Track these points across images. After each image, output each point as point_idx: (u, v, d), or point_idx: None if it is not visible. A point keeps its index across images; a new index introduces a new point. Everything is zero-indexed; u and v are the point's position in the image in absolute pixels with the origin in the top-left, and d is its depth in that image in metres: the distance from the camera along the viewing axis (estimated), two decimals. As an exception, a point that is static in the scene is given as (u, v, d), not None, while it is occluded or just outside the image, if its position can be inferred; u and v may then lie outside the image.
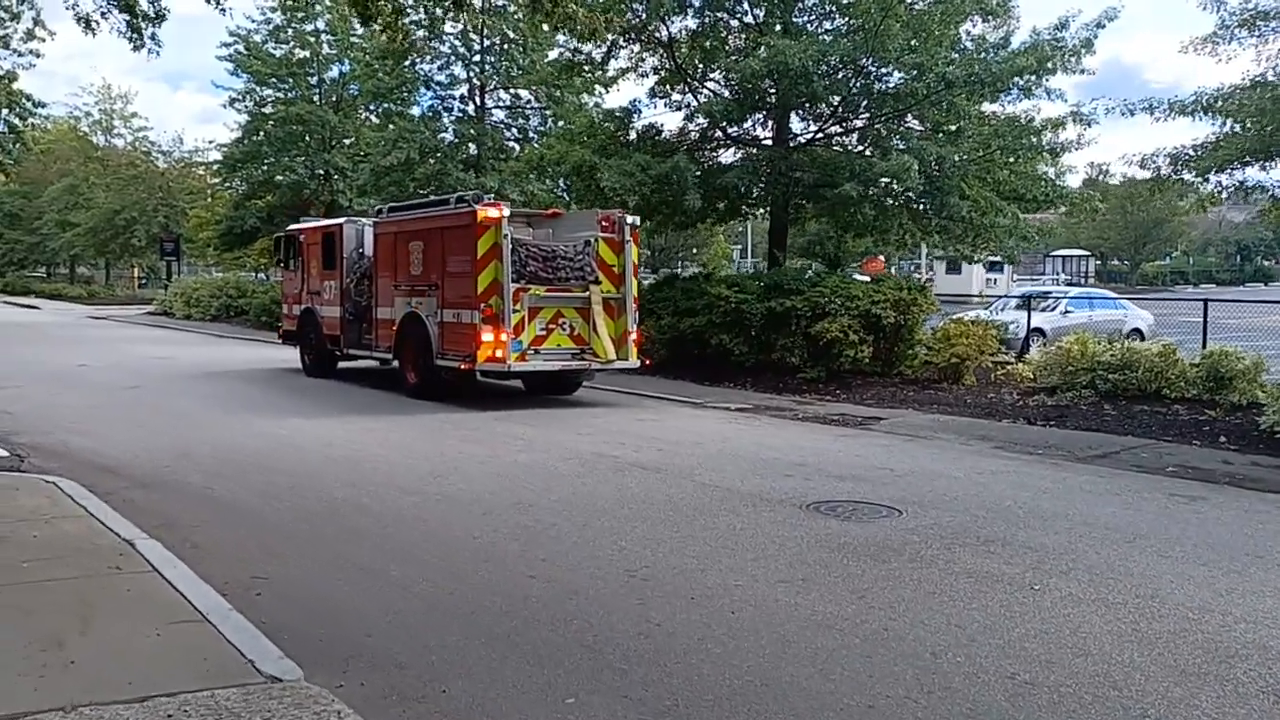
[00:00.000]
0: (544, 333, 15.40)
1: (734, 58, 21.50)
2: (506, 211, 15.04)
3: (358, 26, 39.65)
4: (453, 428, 13.46)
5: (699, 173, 20.15)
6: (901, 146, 19.90)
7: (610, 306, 15.79)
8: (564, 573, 6.85)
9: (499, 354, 14.85)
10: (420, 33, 23.30)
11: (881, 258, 63.75)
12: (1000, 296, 27.17)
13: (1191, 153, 14.62)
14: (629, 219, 16.06)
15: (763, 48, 18.75)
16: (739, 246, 79.09)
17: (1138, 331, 22.80)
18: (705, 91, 21.93)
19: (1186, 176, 14.66)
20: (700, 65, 21.61)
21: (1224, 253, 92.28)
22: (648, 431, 13.30)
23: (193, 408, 15.30)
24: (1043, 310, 22.57)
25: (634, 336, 15.95)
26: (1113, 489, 9.87)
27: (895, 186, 19.44)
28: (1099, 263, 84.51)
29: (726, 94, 20.66)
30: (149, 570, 6.37)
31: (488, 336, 14.84)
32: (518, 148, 34.85)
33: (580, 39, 12.90)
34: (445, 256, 15.70)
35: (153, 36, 11.41)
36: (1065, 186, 21.42)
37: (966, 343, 17.56)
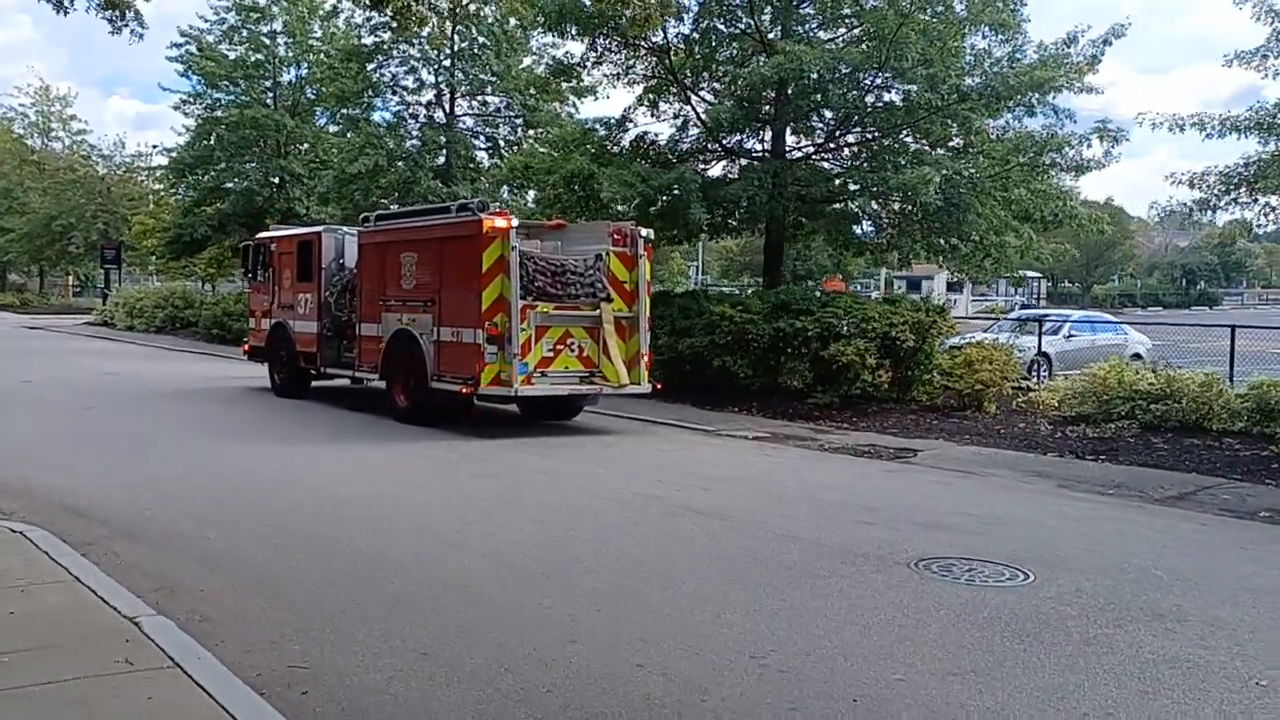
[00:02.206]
0: (551, 354, 14.12)
1: (731, 66, 20.51)
2: (515, 221, 13.76)
3: (316, 29, 38.26)
4: (461, 459, 12.12)
5: (699, 184, 19.04)
6: (901, 162, 19.00)
7: (622, 326, 14.57)
8: (676, 660, 5.60)
9: (504, 377, 13.55)
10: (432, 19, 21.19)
11: (840, 277, 63.46)
12: (995, 319, 26.29)
13: (1245, 170, 13.78)
14: (643, 232, 14.85)
15: (776, 54, 17.66)
16: (694, 264, 78.31)
17: (1138, 356, 22.03)
18: (701, 99, 20.89)
19: (1242, 197, 13.75)
20: (690, 74, 20.52)
21: (1170, 276, 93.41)
22: (675, 464, 12.10)
23: (162, 433, 13.78)
24: (1045, 334, 21.69)
25: (646, 359, 14.75)
26: (1230, 540, 8.85)
27: (909, 203, 18.47)
28: (1050, 284, 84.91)
29: (729, 102, 19.51)
30: (168, 665, 5.01)
31: (492, 358, 13.54)
32: (486, 157, 33.61)
33: (633, 27, 11.68)
34: (444, 269, 14.36)
35: (136, 16, 9.99)
36: (1074, 206, 20.62)
37: (990, 369, 16.60)
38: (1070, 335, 22.40)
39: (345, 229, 17.92)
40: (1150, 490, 11.04)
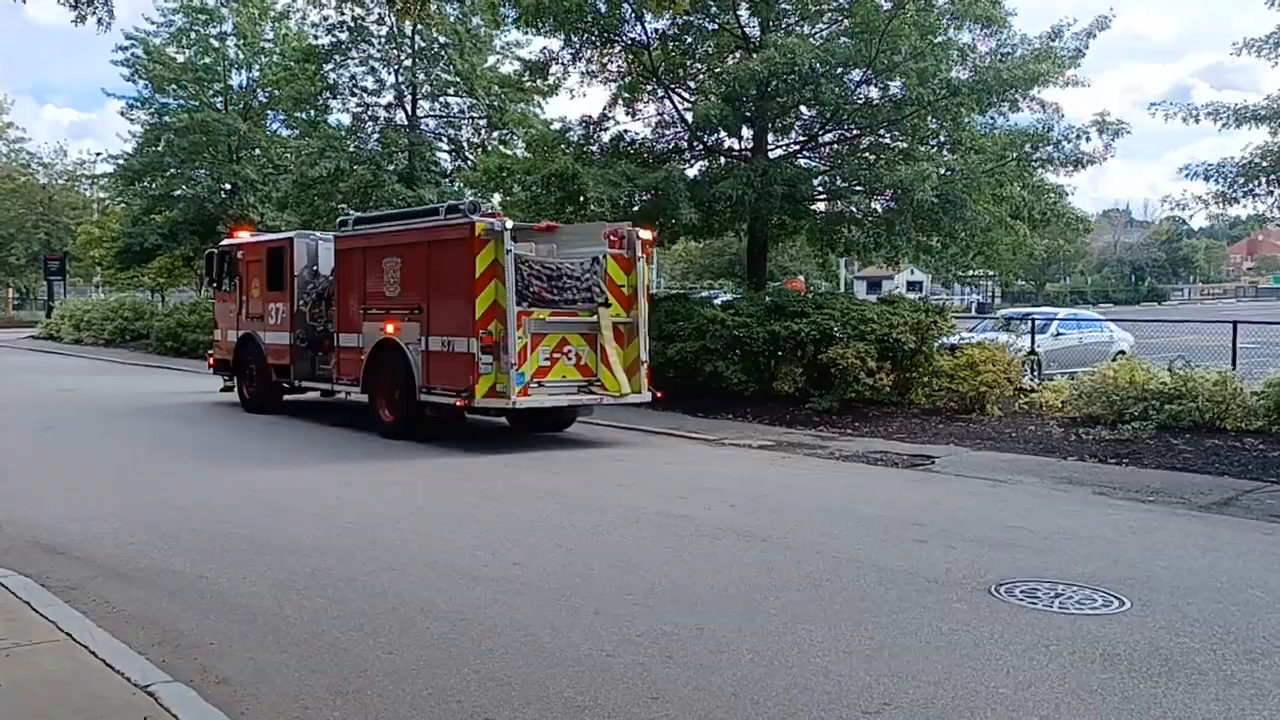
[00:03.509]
0: (548, 363, 13.37)
1: (710, 61, 19.94)
2: (510, 223, 13.00)
3: (268, 31, 37.13)
4: (461, 478, 11.34)
5: (686, 184, 18.38)
6: (887, 160, 18.49)
7: (620, 332, 13.87)
8: (780, 718, 4.90)
9: (500, 388, 12.78)
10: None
11: (800, 277, 63.10)
12: (981, 318, 25.90)
13: (1263, 161, 13.38)
14: (641, 233, 14.15)
15: (765, 49, 17.04)
16: (654, 267, 77.50)
17: (1122, 353, 21.69)
18: (681, 97, 20.26)
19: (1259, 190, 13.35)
20: (668, 70, 19.85)
21: (1119, 273, 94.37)
22: (689, 479, 11.40)
23: (132, 455, 12.85)
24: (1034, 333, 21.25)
25: (646, 366, 14.04)
26: (1304, 552, 8.34)
27: (903, 201, 17.92)
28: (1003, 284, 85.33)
29: (714, 98, 18.83)
30: (199, 748, 4.22)
31: (487, 368, 12.75)
32: (448, 160, 32.77)
33: (658, 7, 10.98)
34: (432, 275, 13.54)
35: (105, 3, 9.10)
36: (1065, 204, 20.23)
37: (994, 369, 16.09)
38: (1058, 334, 22.00)
39: (318, 234, 17.05)
40: (1190, 497, 10.53)
